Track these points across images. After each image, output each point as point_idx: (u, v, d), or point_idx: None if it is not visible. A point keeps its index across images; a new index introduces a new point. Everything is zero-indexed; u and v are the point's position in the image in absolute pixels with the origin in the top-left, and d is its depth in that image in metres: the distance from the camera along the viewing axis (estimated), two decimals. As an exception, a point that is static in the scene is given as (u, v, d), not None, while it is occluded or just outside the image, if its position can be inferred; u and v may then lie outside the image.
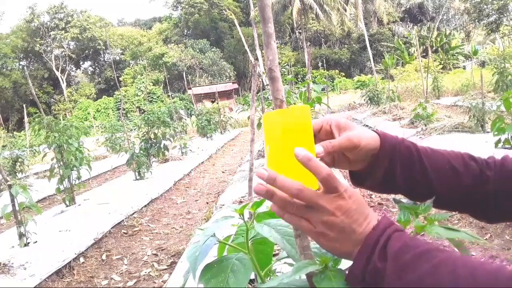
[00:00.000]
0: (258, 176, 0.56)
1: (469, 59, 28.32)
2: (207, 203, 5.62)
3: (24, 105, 23.08)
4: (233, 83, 34.61)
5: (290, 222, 0.57)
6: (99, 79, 45.97)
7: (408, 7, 39.89)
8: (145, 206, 5.48)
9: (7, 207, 3.81)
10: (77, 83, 46.37)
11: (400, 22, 39.10)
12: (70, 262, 3.58)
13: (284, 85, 4.16)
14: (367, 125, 11.25)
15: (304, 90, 4.22)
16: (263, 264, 0.78)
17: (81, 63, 48.19)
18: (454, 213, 0.80)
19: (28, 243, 3.96)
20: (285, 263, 0.79)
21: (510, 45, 23.99)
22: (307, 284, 0.62)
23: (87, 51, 45.11)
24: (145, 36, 44.93)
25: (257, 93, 6.17)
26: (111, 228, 4.50)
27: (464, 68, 28.49)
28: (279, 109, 0.59)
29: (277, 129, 0.58)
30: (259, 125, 6.32)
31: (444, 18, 37.23)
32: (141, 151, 7.52)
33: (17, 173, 8.94)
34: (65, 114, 36.13)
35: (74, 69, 46.81)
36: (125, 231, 4.57)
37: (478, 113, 6.02)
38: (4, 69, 38.53)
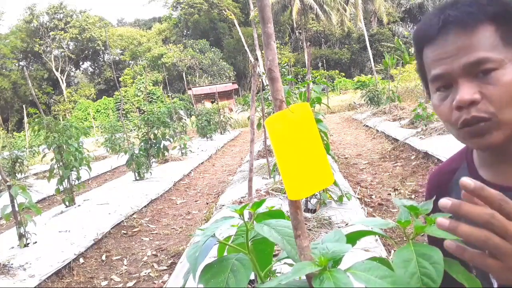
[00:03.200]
0: (441, 206, 0.51)
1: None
2: (207, 203, 5.62)
3: (23, 106, 23.10)
4: (233, 83, 34.61)
5: (471, 259, 0.51)
6: (99, 80, 45.99)
7: (408, 7, 39.92)
8: (145, 206, 5.48)
9: (7, 207, 3.81)
10: (77, 83, 46.39)
11: (400, 22, 39.11)
12: (69, 262, 3.58)
13: (284, 85, 4.16)
14: (367, 125, 11.25)
15: (304, 90, 4.21)
16: (263, 265, 0.78)
17: (80, 63, 48.22)
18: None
19: (28, 243, 3.96)
20: (285, 263, 0.79)
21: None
22: (307, 284, 0.62)
23: (86, 52, 45.13)
24: (144, 36, 44.93)
25: (257, 93, 6.18)
26: (111, 228, 4.50)
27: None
28: (280, 112, 0.59)
29: (283, 131, 0.59)
30: (259, 125, 6.32)
31: (443, 18, 37.24)
32: (141, 152, 7.52)
33: (16, 174, 8.94)
34: (65, 115, 36.15)
35: (73, 69, 46.82)
36: (125, 232, 4.57)
37: (478, 113, 6.02)
38: (4, 70, 38.55)
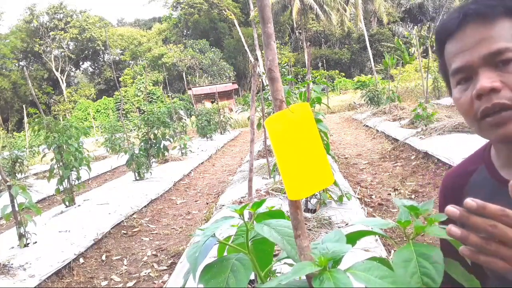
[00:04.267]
0: (448, 214, 0.55)
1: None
2: (207, 203, 5.62)
3: (23, 106, 23.09)
4: (233, 83, 34.62)
5: (485, 263, 0.54)
6: (99, 80, 45.99)
7: (408, 7, 39.89)
8: (145, 206, 5.48)
9: (7, 207, 3.81)
10: (77, 83, 46.39)
11: (400, 22, 39.08)
12: (69, 262, 3.58)
13: (284, 85, 4.16)
14: (367, 125, 11.25)
15: (304, 90, 4.21)
16: (263, 265, 0.78)
17: (80, 63, 48.21)
18: None
19: (28, 243, 3.96)
20: (285, 263, 0.79)
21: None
22: (307, 284, 0.62)
23: (86, 52, 45.13)
24: (144, 36, 44.93)
25: (257, 93, 6.18)
26: (111, 228, 4.50)
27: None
28: (280, 112, 0.59)
29: (283, 131, 0.59)
30: (259, 125, 6.32)
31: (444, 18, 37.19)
32: (141, 152, 7.52)
33: (16, 174, 8.94)
34: (65, 115, 36.15)
35: (73, 69, 46.82)
36: (125, 232, 4.57)
37: (478, 113, 6.01)
38: (4, 70, 38.55)
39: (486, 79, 0.68)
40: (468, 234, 0.54)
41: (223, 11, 40.80)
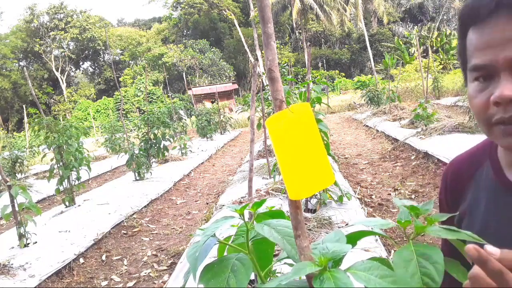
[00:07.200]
0: (467, 251, 0.49)
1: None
2: (207, 203, 5.62)
3: (23, 106, 23.11)
4: (233, 83, 34.59)
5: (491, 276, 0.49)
6: (99, 80, 45.99)
7: (408, 7, 39.90)
8: (145, 206, 5.48)
9: (7, 207, 3.81)
10: (77, 83, 46.38)
11: (400, 22, 39.09)
12: (70, 262, 3.58)
13: (284, 85, 4.16)
14: (367, 125, 11.25)
15: (304, 90, 4.22)
16: (263, 265, 0.78)
17: (80, 63, 48.20)
18: (454, 213, 0.79)
19: (28, 243, 3.96)
20: (285, 263, 0.79)
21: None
22: (307, 284, 0.62)
23: (86, 52, 45.13)
24: (144, 36, 44.91)
25: (257, 93, 6.18)
26: (111, 228, 4.50)
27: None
28: (280, 112, 0.59)
29: (284, 131, 0.59)
30: (259, 125, 6.32)
31: (444, 18, 37.22)
32: (141, 152, 7.52)
33: (16, 174, 8.94)
34: (65, 115, 36.15)
35: (73, 69, 46.82)
36: (125, 232, 4.57)
37: (478, 113, 6.01)
38: (4, 70, 38.56)
39: (509, 87, 0.60)
40: (487, 259, 0.48)
41: (223, 11, 40.80)
